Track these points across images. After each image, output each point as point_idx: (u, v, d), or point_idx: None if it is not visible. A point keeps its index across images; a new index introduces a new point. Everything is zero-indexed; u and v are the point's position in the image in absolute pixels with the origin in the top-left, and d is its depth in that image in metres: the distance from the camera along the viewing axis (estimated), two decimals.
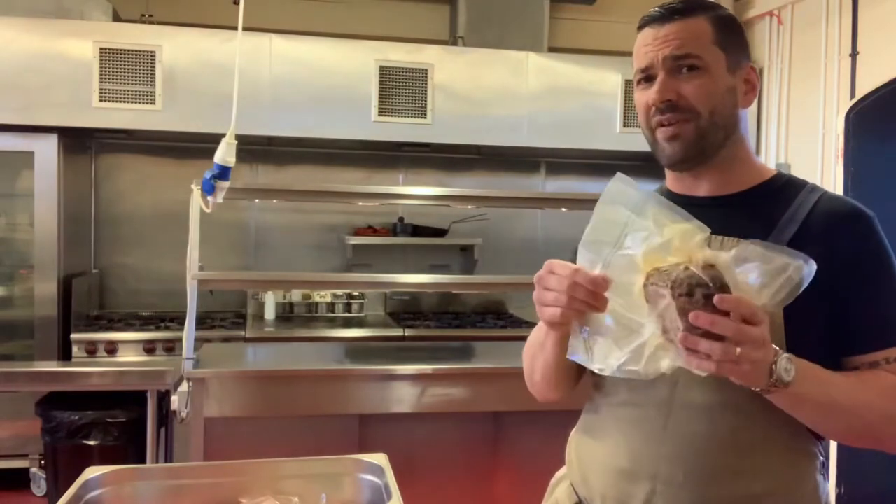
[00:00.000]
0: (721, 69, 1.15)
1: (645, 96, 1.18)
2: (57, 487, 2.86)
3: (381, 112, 4.11)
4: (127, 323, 4.11)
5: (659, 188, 1.30)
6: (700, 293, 0.90)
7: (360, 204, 4.41)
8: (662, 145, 1.17)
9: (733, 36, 1.18)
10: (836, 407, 1.05)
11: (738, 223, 1.13)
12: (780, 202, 1.16)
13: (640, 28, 1.21)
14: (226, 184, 2.71)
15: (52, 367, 3.34)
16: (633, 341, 0.97)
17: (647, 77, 1.18)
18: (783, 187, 1.19)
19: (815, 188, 1.18)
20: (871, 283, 1.11)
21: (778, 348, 0.99)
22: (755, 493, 1.10)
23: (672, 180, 1.27)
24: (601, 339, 1.01)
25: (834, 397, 1.05)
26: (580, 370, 1.26)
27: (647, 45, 1.17)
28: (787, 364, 0.98)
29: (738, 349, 0.90)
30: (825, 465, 1.18)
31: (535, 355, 1.27)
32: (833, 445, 2.89)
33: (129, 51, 3.86)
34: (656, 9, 1.18)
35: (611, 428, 1.21)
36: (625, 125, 4.33)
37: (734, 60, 1.17)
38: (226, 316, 4.35)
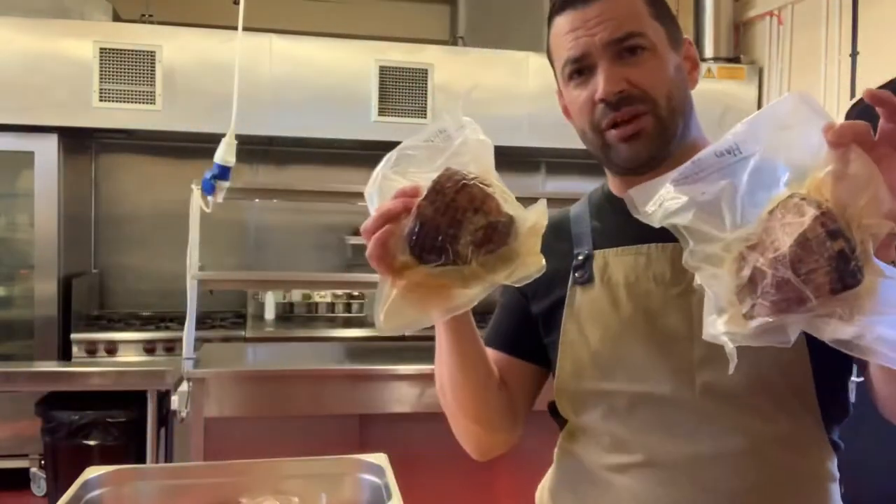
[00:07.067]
0: (665, 46, 0.98)
1: (584, 92, 0.99)
2: (57, 487, 2.86)
3: (381, 112, 4.11)
4: (127, 323, 4.11)
5: (599, 192, 1.14)
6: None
7: (360, 204, 4.40)
8: (618, 148, 0.98)
9: (666, 8, 1.02)
10: None
11: None
12: None
13: (558, 12, 1.01)
14: (226, 184, 2.71)
15: (52, 367, 3.34)
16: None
17: (581, 69, 0.98)
18: None
19: None
20: None
21: None
22: None
23: (619, 183, 1.07)
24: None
25: None
26: (521, 382, 1.09)
27: (576, 31, 0.97)
28: None
29: None
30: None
31: (439, 372, 1.05)
32: None
33: (129, 51, 3.86)
34: None
35: (621, 494, 0.99)
36: None
37: (673, 35, 1.01)
38: (226, 316, 4.35)
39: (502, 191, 0.80)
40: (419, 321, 0.82)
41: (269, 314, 4.40)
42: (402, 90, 4.13)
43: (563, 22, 1.00)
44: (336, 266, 4.63)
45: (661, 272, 0.98)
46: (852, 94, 3.71)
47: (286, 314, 4.52)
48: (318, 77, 4.08)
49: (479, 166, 0.82)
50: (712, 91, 4.35)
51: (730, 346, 0.69)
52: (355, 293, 4.59)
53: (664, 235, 0.87)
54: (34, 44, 3.81)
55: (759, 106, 4.49)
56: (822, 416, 0.96)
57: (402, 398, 2.72)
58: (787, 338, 0.68)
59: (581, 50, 0.97)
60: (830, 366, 0.93)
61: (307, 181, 4.53)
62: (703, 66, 4.49)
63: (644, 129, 0.96)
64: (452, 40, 4.63)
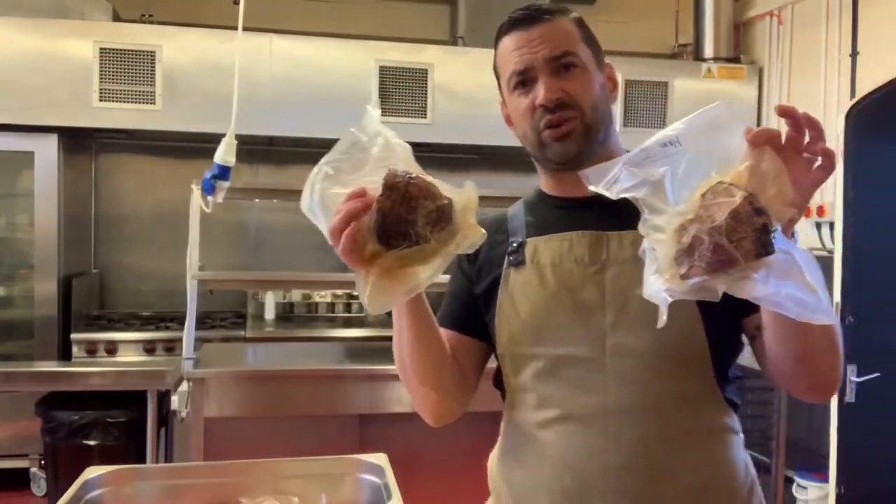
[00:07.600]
0: (593, 66, 1.19)
1: (526, 100, 1.17)
2: (57, 487, 2.86)
3: (382, 112, 4.08)
4: (127, 323, 4.11)
5: (533, 193, 1.30)
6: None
7: None
8: (553, 145, 1.16)
9: (592, 35, 1.22)
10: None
11: (630, 215, 0.94)
12: None
13: (505, 33, 1.20)
14: (226, 184, 2.71)
15: (52, 367, 3.35)
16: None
17: (525, 80, 1.17)
18: None
19: None
20: None
21: None
22: (702, 481, 1.11)
23: (551, 183, 1.26)
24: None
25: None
26: (469, 357, 1.23)
27: (521, 48, 1.17)
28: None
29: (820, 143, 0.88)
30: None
31: (400, 350, 1.18)
32: (832, 445, 2.89)
33: (129, 51, 3.86)
34: (519, 12, 1.19)
35: (545, 448, 1.16)
36: (624, 125, 4.33)
37: (598, 58, 1.21)
38: (226, 316, 4.35)
39: (434, 180, 0.97)
40: (396, 299, 1.01)
41: (269, 314, 4.41)
42: (402, 90, 4.13)
43: (509, 41, 1.19)
44: (336, 266, 4.59)
45: (581, 255, 1.16)
46: (852, 94, 3.70)
47: (286, 314, 4.52)
48: (318, 77, 4.09)
49: (406, 164, 0.97)
50: (712, 91, 4.35)
51: (667, 302, 0.83)
52: (355, 293, 4.57)
53: (584, 225, 1.16)
54: (34, 44, 3.81)
55: (760, 106, 4.50)
56: (716, 378, 1.13)
57: (402, 398, 2.72)
58: (717, 294, 0.82)
59: (525, 64, 1.16)
60: (722, 340, 1.12)
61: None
62: (704, 66, 4.50)
63: (574, 129, 1.15)
64: (452, 40, 4.62)
